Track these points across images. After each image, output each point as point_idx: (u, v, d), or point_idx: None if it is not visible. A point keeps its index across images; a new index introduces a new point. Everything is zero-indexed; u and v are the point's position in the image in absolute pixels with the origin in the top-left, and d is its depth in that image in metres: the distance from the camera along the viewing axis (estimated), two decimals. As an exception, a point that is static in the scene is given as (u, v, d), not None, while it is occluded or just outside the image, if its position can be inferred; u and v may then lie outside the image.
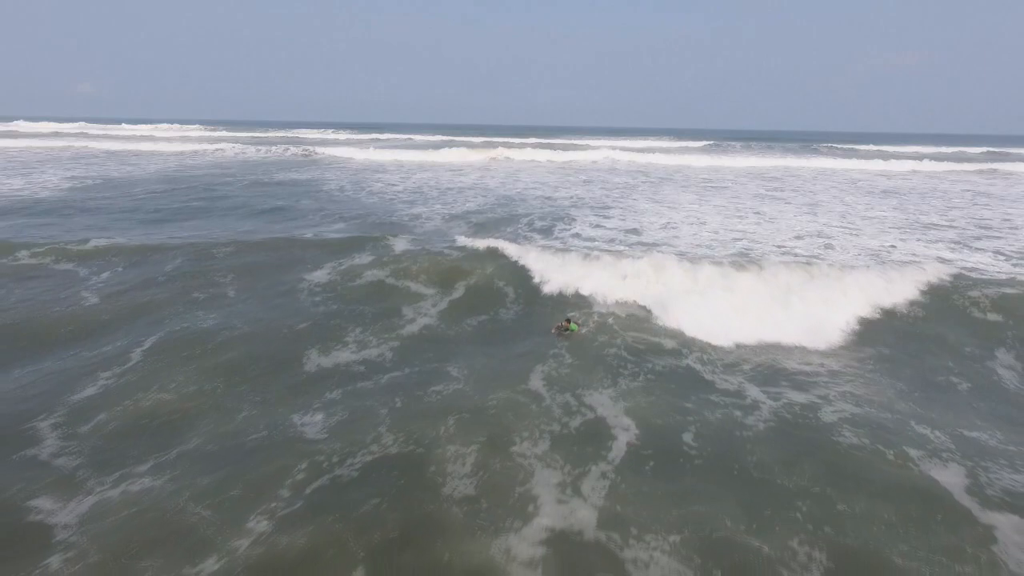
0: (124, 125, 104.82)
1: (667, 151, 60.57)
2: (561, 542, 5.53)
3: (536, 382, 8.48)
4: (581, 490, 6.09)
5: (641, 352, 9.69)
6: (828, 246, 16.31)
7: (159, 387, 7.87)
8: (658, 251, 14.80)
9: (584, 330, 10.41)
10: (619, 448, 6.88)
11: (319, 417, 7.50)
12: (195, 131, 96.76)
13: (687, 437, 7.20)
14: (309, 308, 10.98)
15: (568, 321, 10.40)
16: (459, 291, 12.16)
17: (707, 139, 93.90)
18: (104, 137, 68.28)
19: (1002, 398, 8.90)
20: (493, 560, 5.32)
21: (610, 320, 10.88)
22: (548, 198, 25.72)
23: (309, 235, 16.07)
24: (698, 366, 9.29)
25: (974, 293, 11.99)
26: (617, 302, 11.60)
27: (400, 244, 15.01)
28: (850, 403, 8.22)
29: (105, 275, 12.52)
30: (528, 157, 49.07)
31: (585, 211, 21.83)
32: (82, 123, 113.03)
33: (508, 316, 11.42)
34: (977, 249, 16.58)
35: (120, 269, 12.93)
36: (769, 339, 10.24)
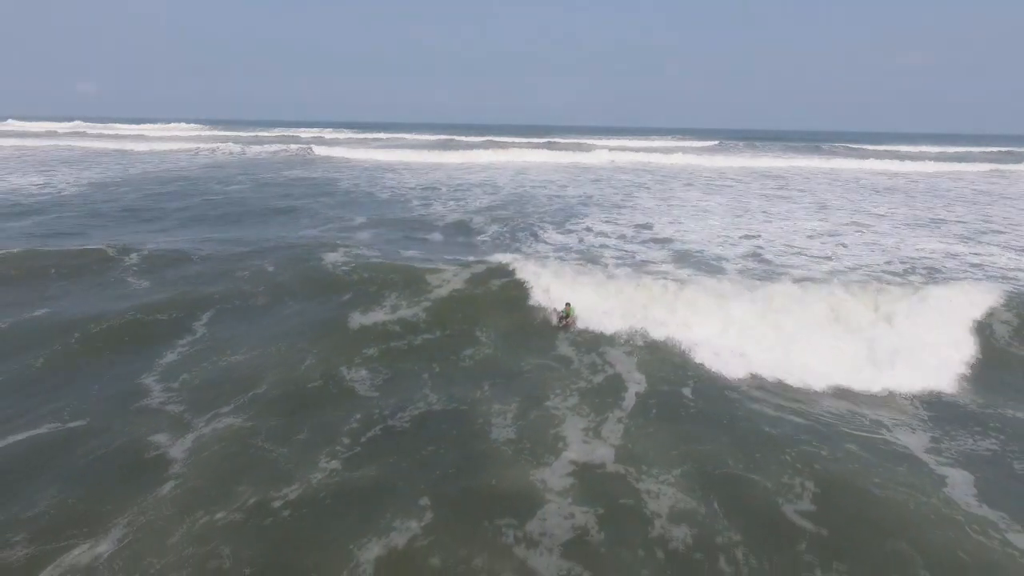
0: (118, 124, 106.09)
1: (673, 151, 61.84)
2: (586, 473, 6.81)
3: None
4: (601, 433, 7.39)
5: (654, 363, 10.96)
6: (841, 244, 17.06)
7: (231, 351, 9.33)
8: (670, 248, 16.03)
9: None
10: (631, 399, 8.24)
11: (364, 373, 8.87)
12: (195, 130, 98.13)
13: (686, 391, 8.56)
14: (350, 287, 12.18)
15: (568, 305, 11.21)
16: (479, 290, 13.10)
17: (712, 139, 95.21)
18: (110, 137, 69.75)
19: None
20: (533, 487, 6.61)
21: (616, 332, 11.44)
22: (558, 196, 27.01)
23: (336, 232, 17.35)
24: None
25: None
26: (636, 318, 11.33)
27: (421, 245, 16.25)
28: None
29: (149, 268, 13.63)
30: (533, 156, 50.18)
31: (595, 208, 23.11)
32: (78, 122, 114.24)
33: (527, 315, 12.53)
34: (983, 243, 17.68)
35: (161, 263, 14.00)
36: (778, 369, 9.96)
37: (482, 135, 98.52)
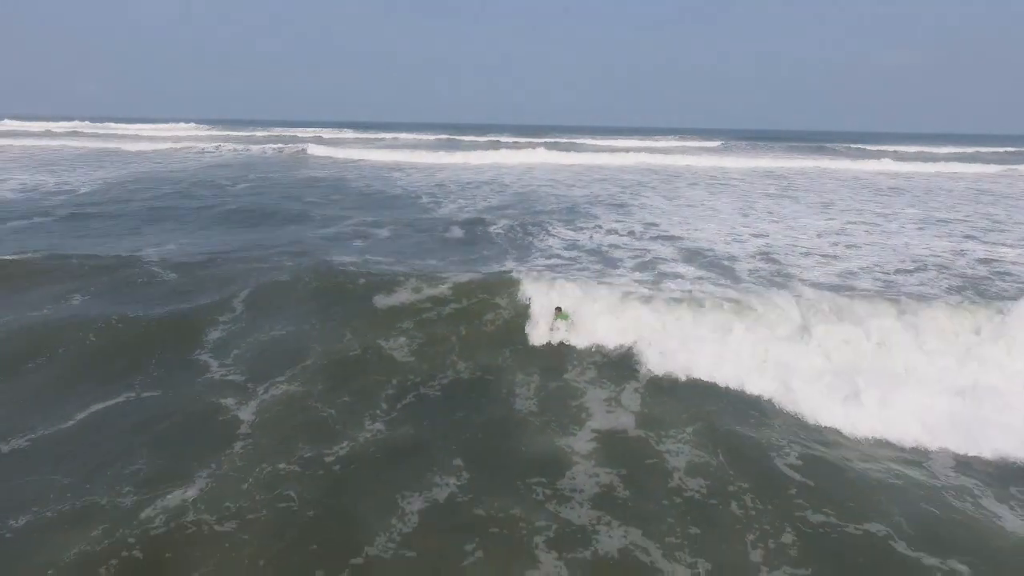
0: (120, 124, 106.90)
1: (676, 151, 62.81)
2: (609, 439, 7.70)
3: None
4: (621, 401, 8.36)
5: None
6: (852, 245, 17.45)
7: (269, 327, 10.34)
8: (680, 246, 16.77)
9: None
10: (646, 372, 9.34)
11: (401, 340, 10.05)
12: (196, 130, 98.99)
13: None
14: (374, 278, 12.95)
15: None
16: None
17: (715, 138, 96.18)
18: (114, 136, 70.84)
19: None
20: (560, 450, 7.53)
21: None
22: (565, 195, 27.91)
23: (356, 228, 18.26)
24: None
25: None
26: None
27: (438, 242, 17.07)
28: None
29: (178, 267, 13.93)
30: (537, 156, 50.45)
31: (602, 207, 23.99)
32: (76, 122, 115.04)
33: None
34: (990, 242, 18.13)
35: (190, 261, 14.33)
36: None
37: (482, 134, 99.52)
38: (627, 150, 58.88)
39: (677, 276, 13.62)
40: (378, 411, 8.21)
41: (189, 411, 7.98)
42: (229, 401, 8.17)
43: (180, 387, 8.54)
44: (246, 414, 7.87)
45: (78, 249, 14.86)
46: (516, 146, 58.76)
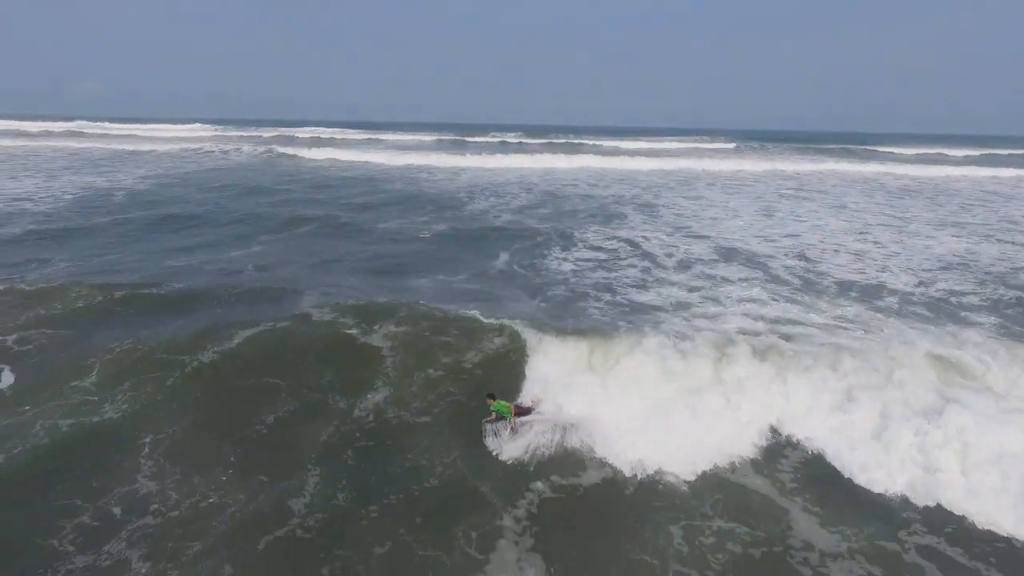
0: (130, 124, 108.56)
1: (689, 153, 65.04)
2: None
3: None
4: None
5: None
6: (877, 243, 19.28)
7: (356, 299, 12.11)
8: (713, 244, 18.95)
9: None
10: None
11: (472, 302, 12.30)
12: (206, 130, 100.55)
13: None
14: (440, 266, 15.40)
15: (493, 399, 8.48)
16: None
17: (726, 139, 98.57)
18: (135, 138, 73.28)
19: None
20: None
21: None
22: (589, 196, 30.38)
23: (411, 226, 20.90)
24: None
25: None
26: None
27: (485, 242, 19.35)
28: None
29: (266, 266, 15.48)
30: (551, 157, 51.88)
31: (630, 207, 26.41)
32: (78, 121, 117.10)
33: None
34: (1006, 242, 20.04)
35: (275, 261, 15.96)
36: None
37: (485, 134, 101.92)
38: (641, 152, 61.20)
39: (725, 280, 14.50)
40: (492, 330, 10.59)
41: (327, 340, 10.27)
42: (354, 332, 10.44)
43: (306, 326, 10.70)
44: (376, 341, 10.21)
45: (188, 255, 16.41)
46: (524, 147, 60.35)
